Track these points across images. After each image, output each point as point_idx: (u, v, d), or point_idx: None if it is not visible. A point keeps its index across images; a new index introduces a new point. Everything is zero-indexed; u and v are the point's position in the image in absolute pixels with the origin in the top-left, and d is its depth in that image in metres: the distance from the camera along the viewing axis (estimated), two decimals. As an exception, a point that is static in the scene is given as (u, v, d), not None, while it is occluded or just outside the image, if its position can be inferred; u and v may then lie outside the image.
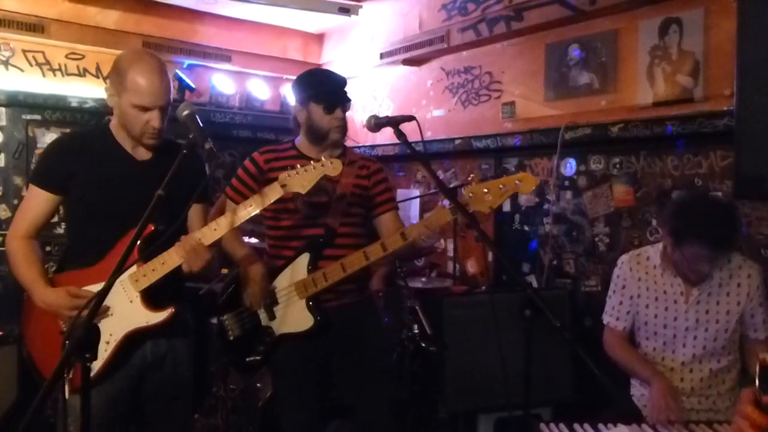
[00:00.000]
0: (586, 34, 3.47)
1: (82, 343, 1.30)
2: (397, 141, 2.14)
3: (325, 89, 2.39)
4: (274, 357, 2.38)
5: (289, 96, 5.05)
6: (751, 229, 2.82)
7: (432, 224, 2.14)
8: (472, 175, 2.97)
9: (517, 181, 2.04)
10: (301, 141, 2.49)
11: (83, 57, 4.28)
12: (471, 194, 2.06)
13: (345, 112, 2.41)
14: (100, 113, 4.11)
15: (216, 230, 2.00)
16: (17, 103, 3.98)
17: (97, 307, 1.38)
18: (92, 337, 1.34)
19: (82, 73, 4.29)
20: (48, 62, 4.17)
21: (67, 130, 3.97)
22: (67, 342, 1.29)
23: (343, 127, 2.42)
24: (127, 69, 1.99)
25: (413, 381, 3.46)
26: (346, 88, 2.43)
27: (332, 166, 2.06)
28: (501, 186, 2.05)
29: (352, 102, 2.46)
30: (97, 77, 4.33)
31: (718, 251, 2.20)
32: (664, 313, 2.39)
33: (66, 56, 4.23)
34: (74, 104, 4.13)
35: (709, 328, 2.33)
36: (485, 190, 2.05)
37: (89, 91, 4.25)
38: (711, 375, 2.35)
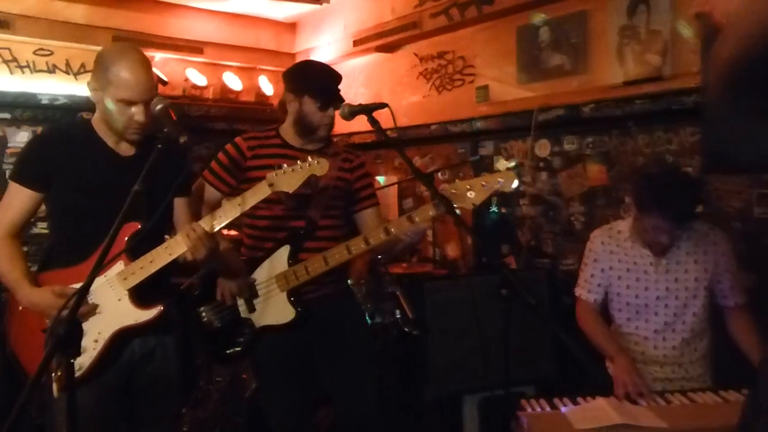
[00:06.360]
0: (556, 16, 3.51)
1: (64, 340, 1.30)
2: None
3: (323, 86, 2.39)
4: (255, 350, 2.39)
5: (265, 86, 5.02)
6: (721, 202, 2.89)
7: (415, 218, 2.14)
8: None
9: (499, 179, 2.11)
10: (285, 129, 2.48)
11: (52, 53, 4.21)
12: (454, 191, 2.11)
13: (336, 110, 2.42)
14: (72, 110, 4.05)
15: (219, 219, 2.01)
16: (-15, 102, 3.92)
17: (79, 303, 1.38)
18: (74, 333, 1.34)
19: (51, 70, 4.22)
20: (15, 59, 4.09)
21: (39, 129, 3.91)
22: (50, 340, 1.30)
23: (331, 125, 2.44)
24: (111, 63, 1.98)
25: (397, 366, 3.49)
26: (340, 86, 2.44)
27: (319, 166, 2.05)
28: (483, 183, 2.11)
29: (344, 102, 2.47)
30: (68, 73, 4.26)
31: (676, 224, 2.28)
32: (636, 284, 2.45)
33: (34, 52, 4.15)
34: (45, 102, 4.06)
35: (679, 296, 2.41)
36: (468, 187, 2.11)
37: (60, 87, 4.18)
38: (683, 343, 2.42)
